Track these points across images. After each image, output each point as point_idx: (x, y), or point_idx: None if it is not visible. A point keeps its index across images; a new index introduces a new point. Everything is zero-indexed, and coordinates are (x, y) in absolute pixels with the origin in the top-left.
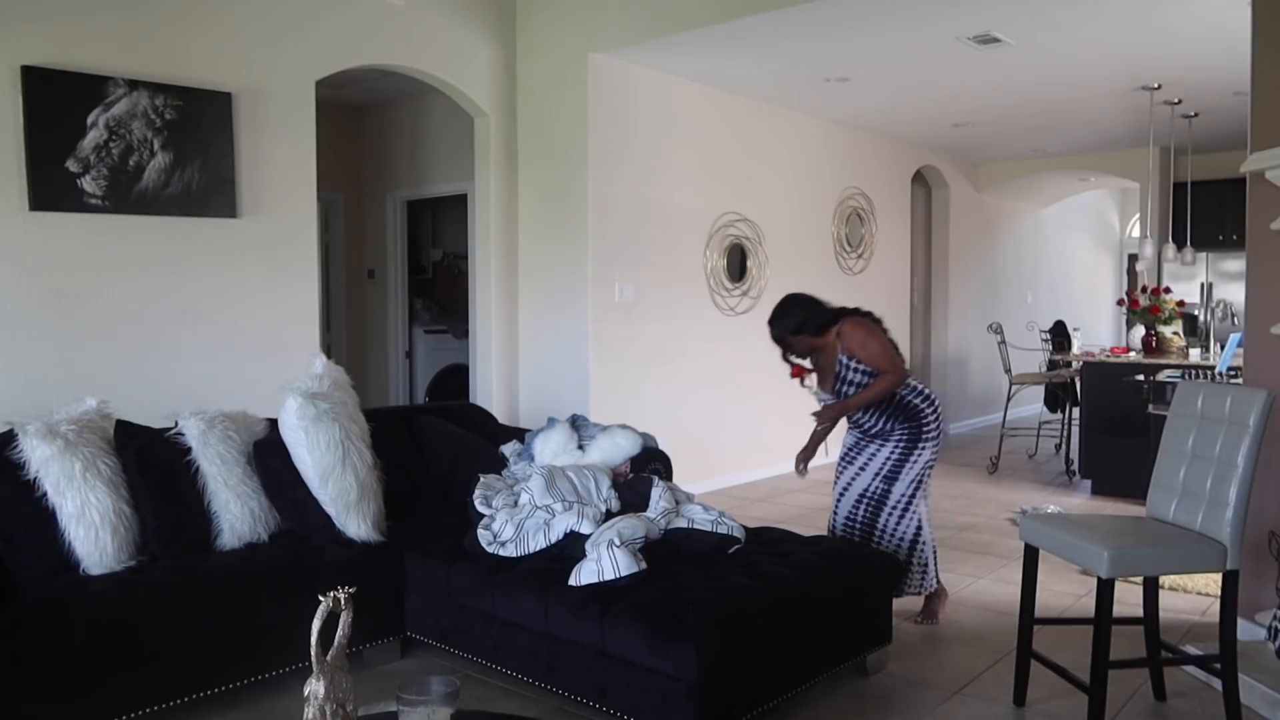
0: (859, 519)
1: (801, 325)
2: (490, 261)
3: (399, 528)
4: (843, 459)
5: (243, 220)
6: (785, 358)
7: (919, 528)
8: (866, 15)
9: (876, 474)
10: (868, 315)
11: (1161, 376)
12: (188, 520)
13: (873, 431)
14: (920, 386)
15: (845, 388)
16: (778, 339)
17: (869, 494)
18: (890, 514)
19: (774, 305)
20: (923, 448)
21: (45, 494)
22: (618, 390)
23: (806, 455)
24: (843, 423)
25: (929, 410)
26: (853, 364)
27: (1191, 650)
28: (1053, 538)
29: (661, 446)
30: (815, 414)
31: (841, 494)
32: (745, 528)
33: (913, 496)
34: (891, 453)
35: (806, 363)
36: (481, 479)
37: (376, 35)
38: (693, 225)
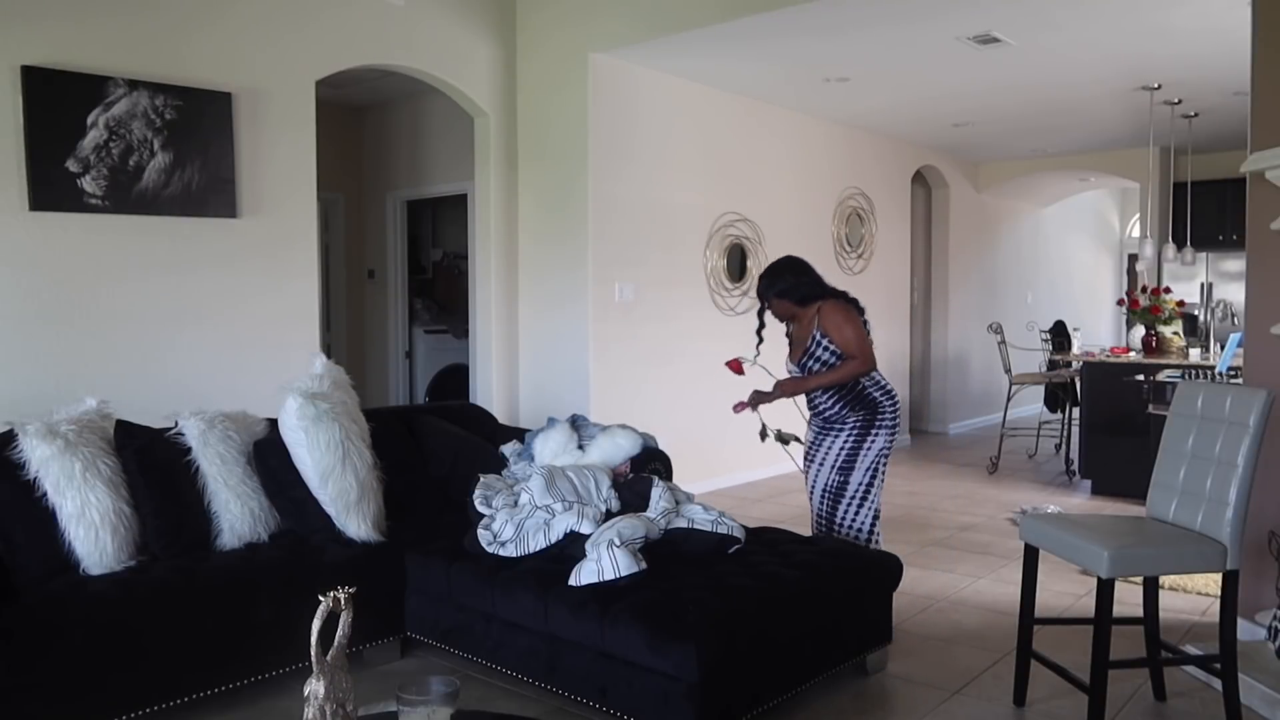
0: (823, 514)
1: (787, 291)
2: (490, 261)
3: (399, 528)
4: (807, 457)
5: (243, 220)
6: (760, 340)
7: (875, 517)
8: (866, 15)
9: (833, 466)
10: (853, 302)
11: (1161, 376)
12: (188, 520)
13: (827, 414)
14: (884, 382)
15: (812, 363)
16: (761, 296)
17: (828, 488)
18: (849, 505)
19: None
20: (875, 434)
21: (45, 494)
22: (618, 390)
23: (743, 405)
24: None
25: (887, 403)
26: (825, 342)
27: (1191, 650)
28: (1053, 538)
29: (661, 446)
30: (778, 383)
31: (810, 491)
32: (745, 528)
33: (869, 486)
34: (845, 442)
35: (748, 359)
36: (481, 479)
37: (376, 35)
38: (693, 225)
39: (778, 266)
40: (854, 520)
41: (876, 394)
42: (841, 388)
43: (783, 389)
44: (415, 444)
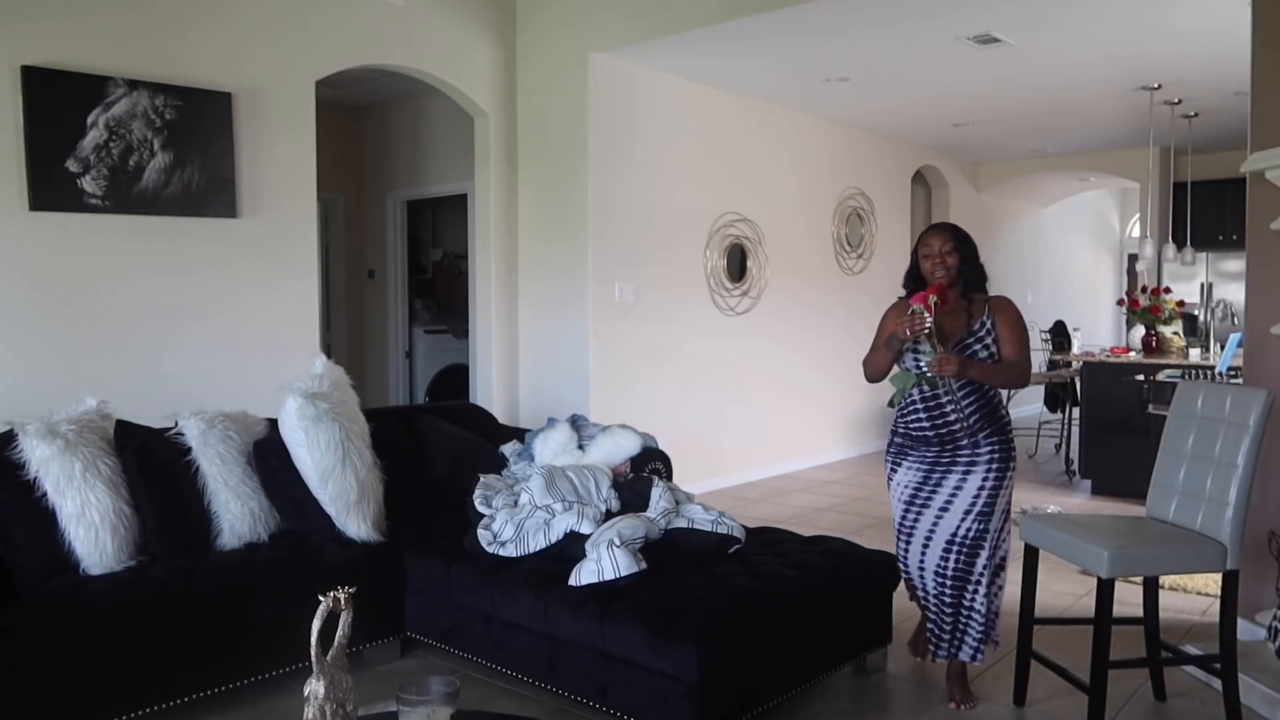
0: (950, 570)
1: (971, 260)
2: (490, 261)
3: (399, 528)
4: (912, 502)
5: (243, 220)
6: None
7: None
8: (866, 15)
9: (967, 511)
10: None
11: (1161, 376)
12: (188, 520)
13: (958, 429)
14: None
15: (969, 352)
16: (955, 248)
17: (962, 538)
18: (989, 559)
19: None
20: (1013, 470)
21: (45, 494)
22: (618, 390)
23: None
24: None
25: (1010, 429)
26: (993, 335)
27: (1191, 650)
28: (1053, 538)
29: (661, 446)
30: (940, 358)
31: (926, 542)
32: (745, 528)
33: (1004, 529)
34: (984, 481)
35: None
36: (481, 479)
37: (376, 35)
38: (693, 225)
39: (966, 234)
40: (997, 578)
41: (1005, 411)
42: (985, 395)
43: (945, 364)
44: (415, 444)
